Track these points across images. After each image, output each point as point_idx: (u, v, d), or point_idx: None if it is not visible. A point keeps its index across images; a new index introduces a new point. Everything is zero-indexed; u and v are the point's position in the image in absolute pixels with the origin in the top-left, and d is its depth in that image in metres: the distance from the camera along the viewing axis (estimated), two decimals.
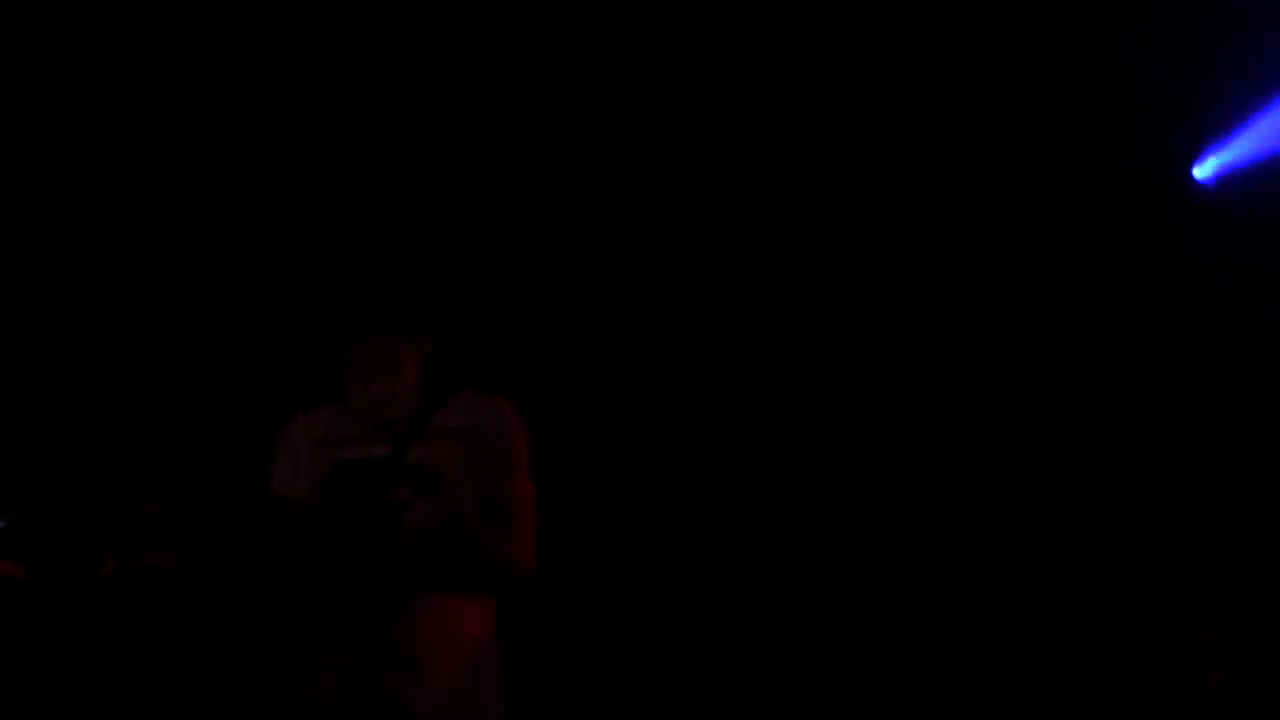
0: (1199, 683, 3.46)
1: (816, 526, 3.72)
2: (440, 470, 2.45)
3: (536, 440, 2.58)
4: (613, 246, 3.75)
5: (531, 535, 2.52)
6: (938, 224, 3.79)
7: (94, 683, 2.84)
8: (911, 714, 3.64)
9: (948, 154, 3.78)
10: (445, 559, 2.44)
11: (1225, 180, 3.71)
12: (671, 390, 3.75)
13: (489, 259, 3.67)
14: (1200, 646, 3.48)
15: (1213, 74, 3.71)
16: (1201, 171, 3.71)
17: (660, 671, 3.68)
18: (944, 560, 3.70)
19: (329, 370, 2.52)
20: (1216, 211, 3.74)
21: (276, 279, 3.60)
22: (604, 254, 3.75)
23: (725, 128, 3.78)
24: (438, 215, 3.66)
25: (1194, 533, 3.65)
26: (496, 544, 2.48)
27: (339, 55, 3.67)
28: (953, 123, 3.78)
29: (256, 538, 2.56)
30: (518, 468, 2.54)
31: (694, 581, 3.70)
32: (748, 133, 3.77)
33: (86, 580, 2.75)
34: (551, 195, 3.74)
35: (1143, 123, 3.74)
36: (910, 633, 3.67)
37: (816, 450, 3.74)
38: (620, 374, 3.72)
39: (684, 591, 3.70)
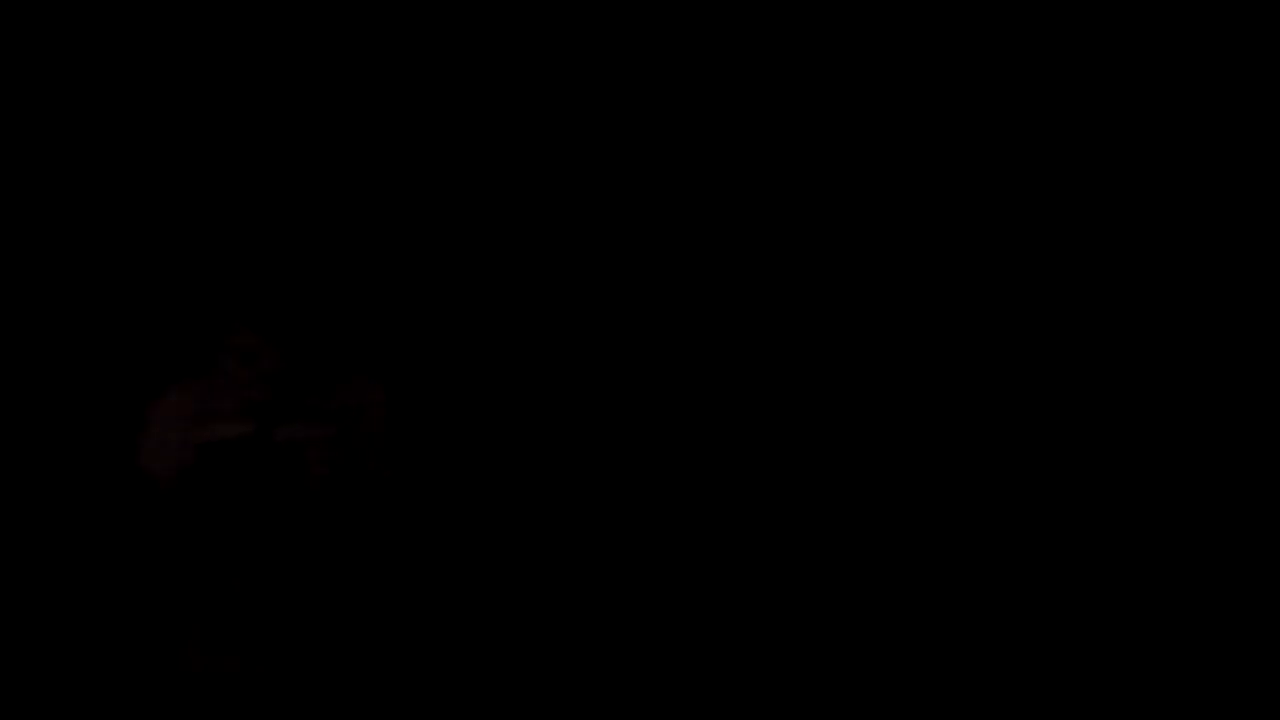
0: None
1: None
2: (306, 450, 2.48)
3: (409, 422, 2.59)
4: (476, 225, 3.70)
5: (387, 514, 2.55)
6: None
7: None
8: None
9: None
10: (310, 536, 2.47)
11: None
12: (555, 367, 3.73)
13: (363, 240, 3.63)
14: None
15: None
16: None
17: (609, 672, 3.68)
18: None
19: (200, 347, 2.53)
20: None
21: (147, 257, 3.55)
22: (473, 234, 3.70)
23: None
24: (310, 197, 3.62)
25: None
26: (356, 521, 2.51)
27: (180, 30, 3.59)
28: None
29: (121, 514, 2.57)
30: (380, 449, 2.57)
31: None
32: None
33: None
34: (429, 173, 3.69)
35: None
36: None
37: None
38: (489, 354, 3.69)
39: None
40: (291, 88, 3.58)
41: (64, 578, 2.93)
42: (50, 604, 2.93)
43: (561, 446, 3.66)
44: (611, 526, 3.67)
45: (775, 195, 3.77)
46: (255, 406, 2.45)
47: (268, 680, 2.45)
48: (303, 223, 3.27)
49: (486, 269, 3.67)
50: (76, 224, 3.55)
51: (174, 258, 3.32)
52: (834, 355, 3.77)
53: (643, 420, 3.71)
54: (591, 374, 3.70)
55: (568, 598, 3.62)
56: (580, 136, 3.71)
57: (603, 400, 3.70)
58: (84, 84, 3.54)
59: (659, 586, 3.65)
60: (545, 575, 3.61)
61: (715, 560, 3.67)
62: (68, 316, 3.52)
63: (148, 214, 3.54)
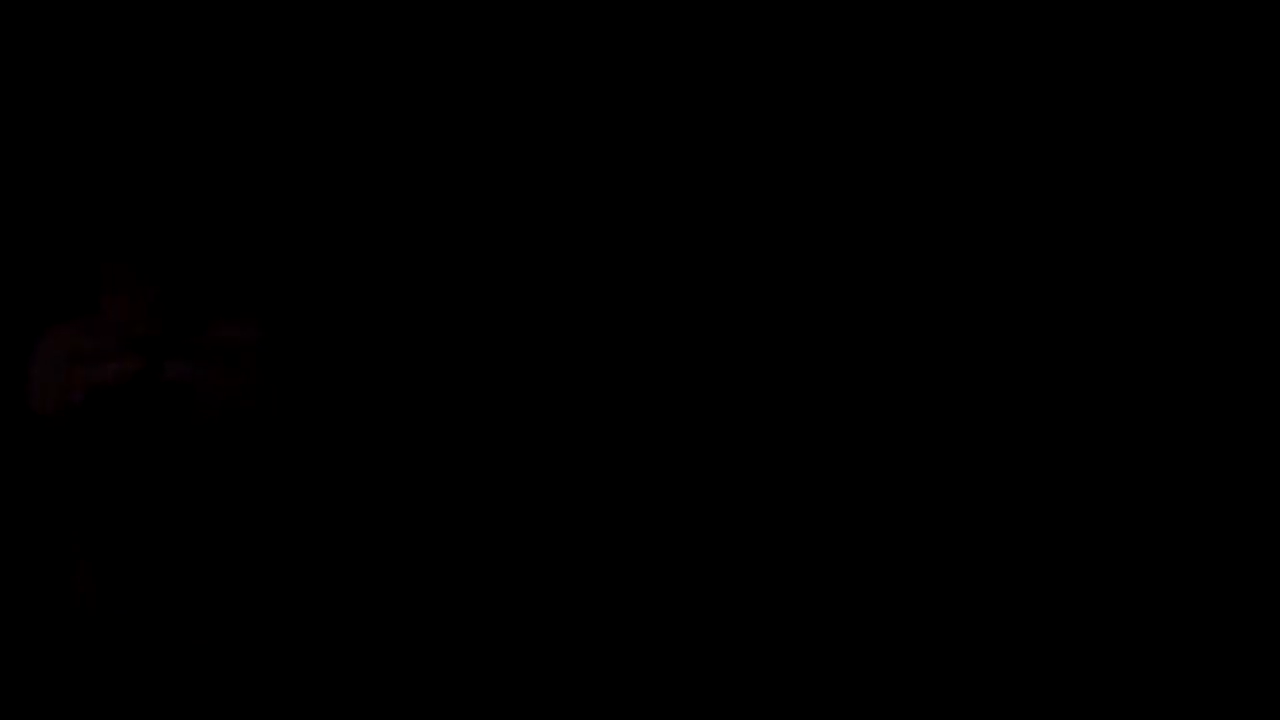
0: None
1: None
2: (194, 388, 2.48)
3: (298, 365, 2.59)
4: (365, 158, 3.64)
5: (264, 455, 2.56)
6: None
7: None
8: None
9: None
10: (198, 474, 2.48)
11: None
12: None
13: (246, 176, 3.57)
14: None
15: None
16: None
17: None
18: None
19: (83, 282, 2.52)
20: None
21: (26, 190, 3.48)
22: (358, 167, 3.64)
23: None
24: (197, 129, 3.55)
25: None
26: (236, 462, 2.52)
27: None
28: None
29: (10, 455, 2.57)
30: (263, 390, 2.57)
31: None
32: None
33: None
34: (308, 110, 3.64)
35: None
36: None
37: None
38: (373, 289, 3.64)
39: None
40: (154, 21, 3.52)
41: None
42: None
43: (446, 385, 3.62)
44: (490, 463, 3.62)
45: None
46: (141, 343, 2.46)
47: (157, 619, 2.46)
48: (178, 156, 3.22)
49: (367, 201, 3.61)
50: None
51: (50, 195, 3.26)
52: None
53: (517, 360, 3.66)
54: (480, 314, 3.65)
55: (452, 539, 3.57)
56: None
57: (492, 339, 3.66)
58: None
59: (532, 527, 3.60)
60: (432, 515, 3.57)
61: (615, 512, 3.64)
62: None
63: (21, 151, 3.47)
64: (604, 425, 3.64)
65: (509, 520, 3.58)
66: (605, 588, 3.62)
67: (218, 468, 2.50)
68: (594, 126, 3.69)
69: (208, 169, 3.22)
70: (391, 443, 3.58)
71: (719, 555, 3.72)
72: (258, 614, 2.58)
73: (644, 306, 3.68)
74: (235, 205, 3.37)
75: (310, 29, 3.57)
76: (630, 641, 3.65)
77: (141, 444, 2.46)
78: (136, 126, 3.43)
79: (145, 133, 3.42)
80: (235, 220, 3.31)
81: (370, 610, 3.46)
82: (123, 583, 2.49)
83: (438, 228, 3.64)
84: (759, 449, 3.76)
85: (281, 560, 2.81)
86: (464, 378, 3.63)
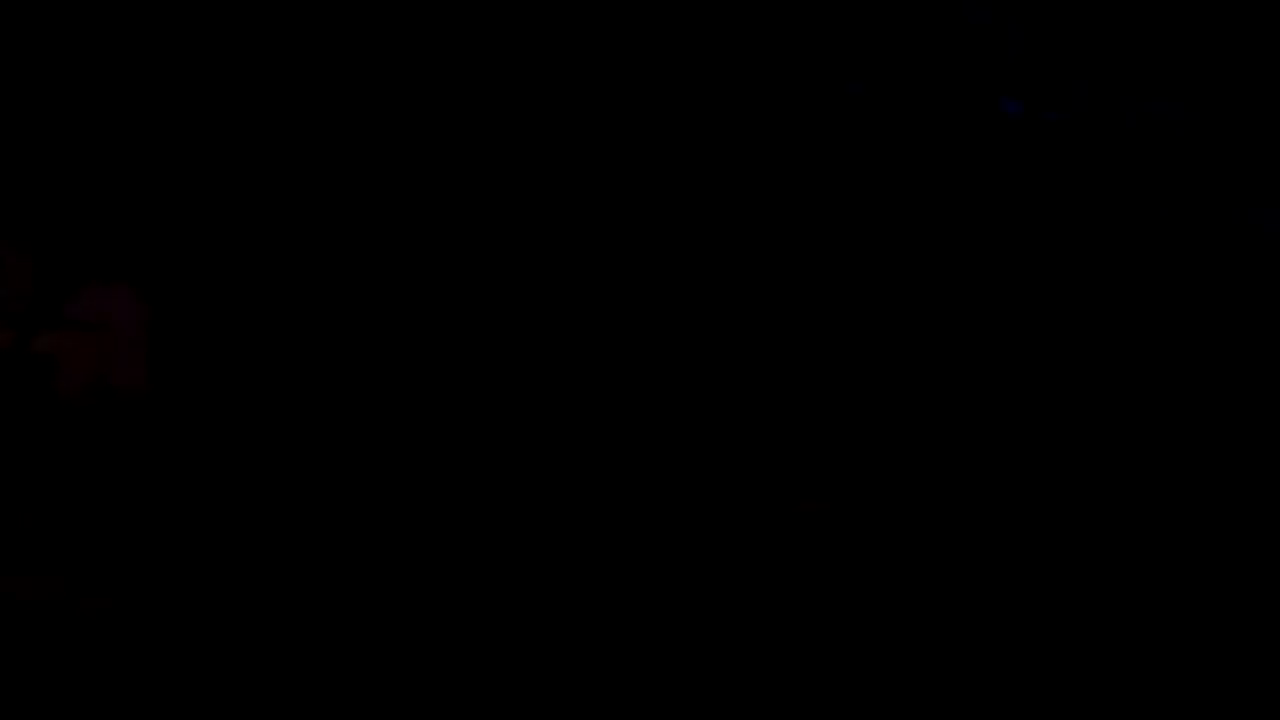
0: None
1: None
2: (60, 360, 2.48)
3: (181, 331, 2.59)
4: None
5: (144, 424, 2.56)
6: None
7: None
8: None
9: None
10: (66, 449, 2.48)
11: None
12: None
13: (116, 145, 3.54)
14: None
15: None
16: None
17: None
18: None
19: None
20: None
21: None
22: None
23: None
24: (62, 106, 3.51)
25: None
26: (110, 433, 2.52)
27: None
28: None
29: None
30: (136, 359, 2.57)
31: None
32: None
33: None
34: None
35: None
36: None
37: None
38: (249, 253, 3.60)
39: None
40: None
41: None
42: None
43: (331, 355, 3.58)
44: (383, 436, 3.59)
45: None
46: (10, 315, 2.46)
47: (35, 603, 2.45)
48: (53, 128, 3.18)
49: (246, 168, 3.57)
50: None
51: None
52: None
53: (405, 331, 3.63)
54: (368, 282, 3.62)
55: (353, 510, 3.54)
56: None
57: (381, 309, 3.62)
58: None
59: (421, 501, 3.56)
60: (319, 495, 3.54)
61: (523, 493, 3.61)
62: None
63: None
64: (496, 398, 3.61)
65: (400, 498, 3.55)
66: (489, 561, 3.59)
67: (87, 442, 2.50)
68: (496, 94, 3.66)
69: (81, 139, 3.18)
70: (271, 416, 3.55)
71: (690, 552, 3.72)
72: (137, 595, 2.56)
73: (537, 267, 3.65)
74: (109, 175, 3.32)
75: None
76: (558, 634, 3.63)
77: (8, 417, 2.46)
78: (8, 98, 3.40)
79: (17, 104, 3.39)
80: (109, 190, 3.26)
81: (256, 593, 3.43)
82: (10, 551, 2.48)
83: (322, 193, 3.61)
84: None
85: (157, 539, 2.78)
86: (350, 349, 3.60)
